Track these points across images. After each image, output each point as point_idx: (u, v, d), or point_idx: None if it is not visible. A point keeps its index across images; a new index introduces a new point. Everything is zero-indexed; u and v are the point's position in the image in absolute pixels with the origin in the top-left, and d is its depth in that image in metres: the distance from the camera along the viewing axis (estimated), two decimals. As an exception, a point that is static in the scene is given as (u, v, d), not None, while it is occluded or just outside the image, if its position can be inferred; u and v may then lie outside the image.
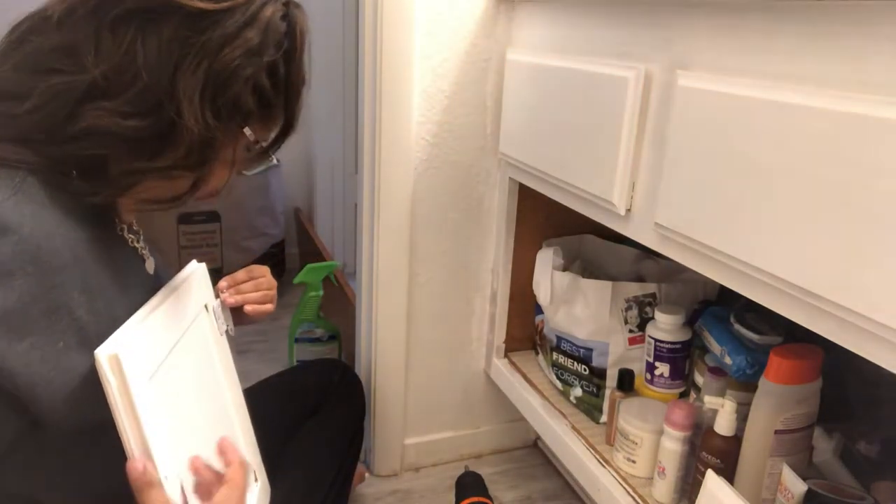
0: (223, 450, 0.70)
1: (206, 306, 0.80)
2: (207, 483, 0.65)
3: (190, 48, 0.58)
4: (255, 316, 0.91)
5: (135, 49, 0.57)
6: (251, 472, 0.85)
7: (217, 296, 0.86)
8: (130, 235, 0.72)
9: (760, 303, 0.68)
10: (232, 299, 0.87)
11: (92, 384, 0.57)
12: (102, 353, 0.56)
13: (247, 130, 0.65)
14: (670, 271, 1.16)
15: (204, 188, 0.67)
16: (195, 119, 0.59)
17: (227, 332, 0.85)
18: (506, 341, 1.38)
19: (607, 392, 1.13)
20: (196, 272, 0.79)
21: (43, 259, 0.55)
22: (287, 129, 0.71)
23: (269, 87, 0.64)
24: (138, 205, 0.70)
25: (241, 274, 0.91)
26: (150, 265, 0.75)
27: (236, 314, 0.90)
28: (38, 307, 0.55)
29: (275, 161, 0.73)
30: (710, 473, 0.79)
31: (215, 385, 0.79)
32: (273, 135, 0.71)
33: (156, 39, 0.57)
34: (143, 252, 0.75)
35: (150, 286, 0.73)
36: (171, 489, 0.59)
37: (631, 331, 1.13)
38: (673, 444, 0.93)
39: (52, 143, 0.58)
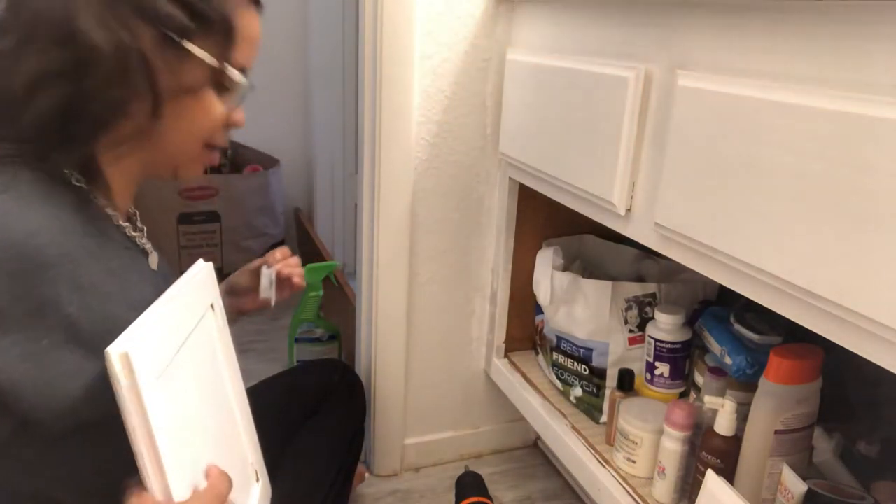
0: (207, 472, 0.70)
1: (212, 305, 0.80)
2: None
3: None
4: (294, 290, 1.02)
5: None
6: (252, 472, 0.85)
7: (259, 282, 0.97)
8: (127, 224, 0.71)
9: (760, 303, 0.68)
10: (287, 270, 0.97)
11: (81, 381, 0.57)
12: (114, 351, 0.56)
13: (190, 46, 0.63)
14: (670, 271, 1.16)
15: (179, 124, 0.66)
16: (94, 30, 0.58)
17: (268, 302, 0.98)
18: (506, 341, 1.38)
19: (607, 392, 1.13)
20: (203, 271, 0.80)
21: (28, 256, 0.55)
22: (228, 32, 0.66)
23: None
24: (123, 170, 0.68)
25: (278, 253, 1.00)
26: (153, 260, 0.75)
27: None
28: (21, 305, 0.55)
29: (244, 81, 0.67)
30: (710, 473, 0.79)
31: (220, 385, 0.79)
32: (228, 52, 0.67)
33: None
34: (146, 246, 0.74)
35: (153, 282, 0.73)
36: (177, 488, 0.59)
37: (631, 331, 1.13)
38: (673, 444, 0.93)
39: (17, 119, 0.59)
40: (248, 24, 0.69)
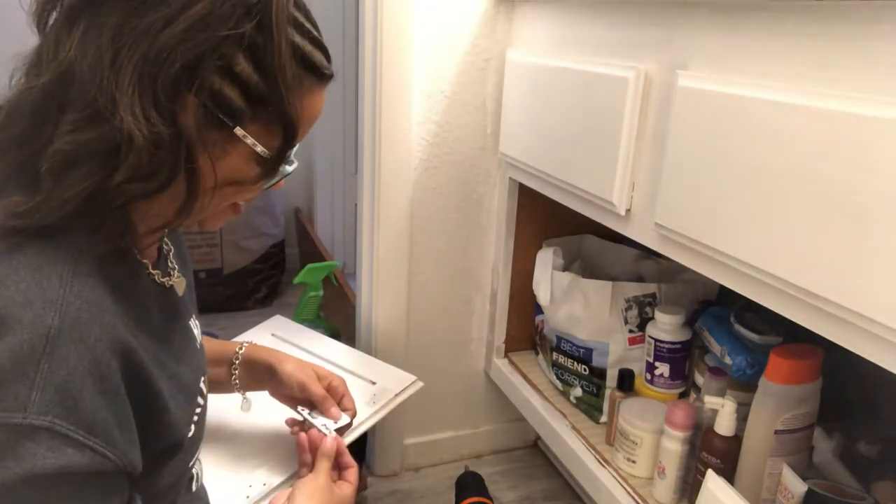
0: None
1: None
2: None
3: (128, 36, 0.49)
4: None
5: (76, 45, 0.50)
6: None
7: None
8: (156, 272, 0.64)
9: (761, 303, 0.68)
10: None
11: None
12: None
13: (239, 132, 0.54)
14: (670, 271, 1.16)
15: (214, 200, 0.58)
16: (133, 116, 0.48)
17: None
18: (506, 341, 1.38)
19: (607, 392, 1.13)
20: None
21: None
22: (288, 128, 0.56)
23: (251, 70, 0.52)
24: (149, 238, 0.61)
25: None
26: (179, 287, 0.68)
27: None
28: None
29: (290, 170, 0.61)
30: (710, 473, 0.79)
31: None
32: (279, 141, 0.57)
33: (96, 32, 0.50)
34: (173, 280, 0.67)
35: (181, 311, 0.68)
36: None
37: (631, 331, 1.13)
38: (673, 444, 0.93)
39: (57, 201, 0.50)
40: (313, 104, 0.60)
